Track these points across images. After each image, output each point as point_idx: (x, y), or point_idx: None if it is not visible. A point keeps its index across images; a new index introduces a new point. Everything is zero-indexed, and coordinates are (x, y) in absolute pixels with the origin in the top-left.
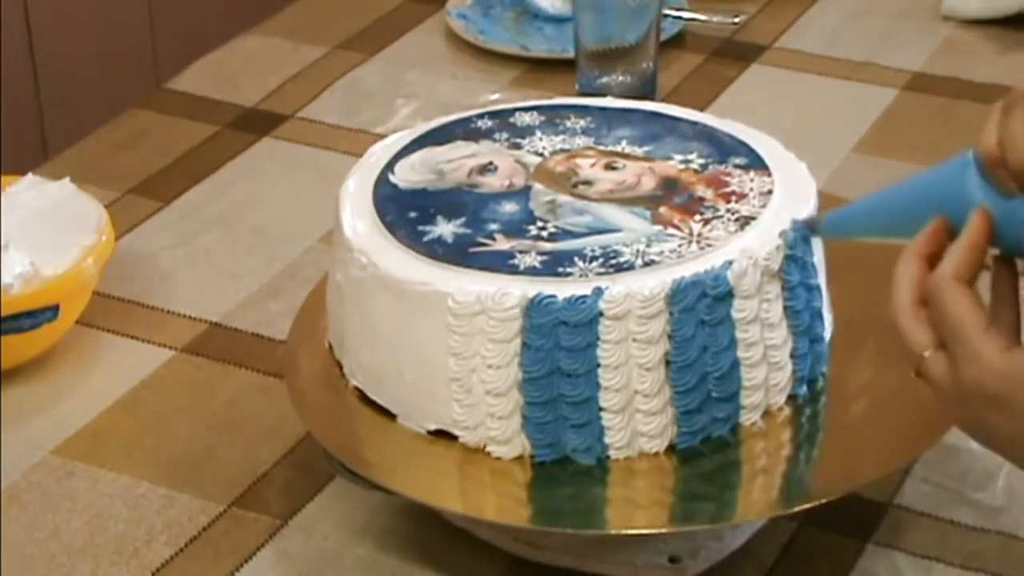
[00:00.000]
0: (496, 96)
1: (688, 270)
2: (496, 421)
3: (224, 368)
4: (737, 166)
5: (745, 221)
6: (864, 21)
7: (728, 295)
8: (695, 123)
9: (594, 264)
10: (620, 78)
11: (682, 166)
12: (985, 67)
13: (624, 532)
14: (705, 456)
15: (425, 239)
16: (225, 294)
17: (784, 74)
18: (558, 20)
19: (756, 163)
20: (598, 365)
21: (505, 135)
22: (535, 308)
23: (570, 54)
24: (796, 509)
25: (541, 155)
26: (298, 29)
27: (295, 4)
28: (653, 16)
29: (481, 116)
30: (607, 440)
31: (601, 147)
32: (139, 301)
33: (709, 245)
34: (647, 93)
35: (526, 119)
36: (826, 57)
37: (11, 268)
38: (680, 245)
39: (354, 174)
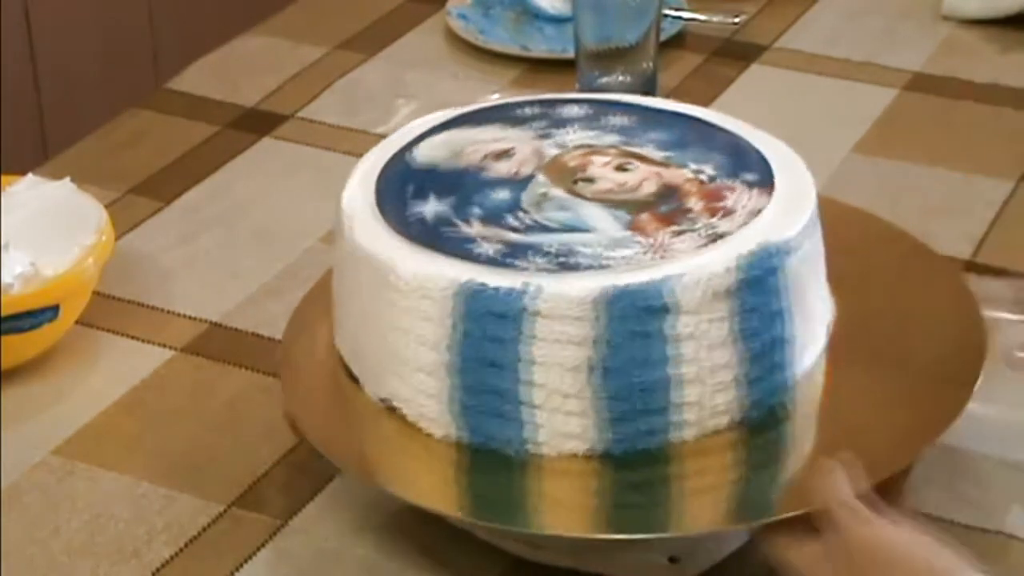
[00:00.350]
0: (496, 96)
1: (628, 279)
2: (427, 399)
3: (224, 368)
4: (745, 182)
5: (716, 237)
6: (864, 21)
7: (663, 309)
8: (731, 133)
9: (544, 260)
10: (620, 78)
11: (692, 175)
12: (985, 67)
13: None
14: (637, 467)
15: (407, 213)
16: (225, 294)
17: (784, 74)
18: (558, 20)
19: (765, 182)
20: (521, 360)
21: (542, 124)
22: (467, 295)
23: (570, 54)
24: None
25: (564, 147)
26: (298, 29)
27: (295, 4)
28: (653, 16)
29: (531, 103)
30: (526, 435)
31: (627, 147)
32: (139, 301)
33: (664, 257)
34: (647, 93)
35: (572, 111)
36: (826, 57)
37: (11, 268)
38: (638, 253)
39: (385, 143)
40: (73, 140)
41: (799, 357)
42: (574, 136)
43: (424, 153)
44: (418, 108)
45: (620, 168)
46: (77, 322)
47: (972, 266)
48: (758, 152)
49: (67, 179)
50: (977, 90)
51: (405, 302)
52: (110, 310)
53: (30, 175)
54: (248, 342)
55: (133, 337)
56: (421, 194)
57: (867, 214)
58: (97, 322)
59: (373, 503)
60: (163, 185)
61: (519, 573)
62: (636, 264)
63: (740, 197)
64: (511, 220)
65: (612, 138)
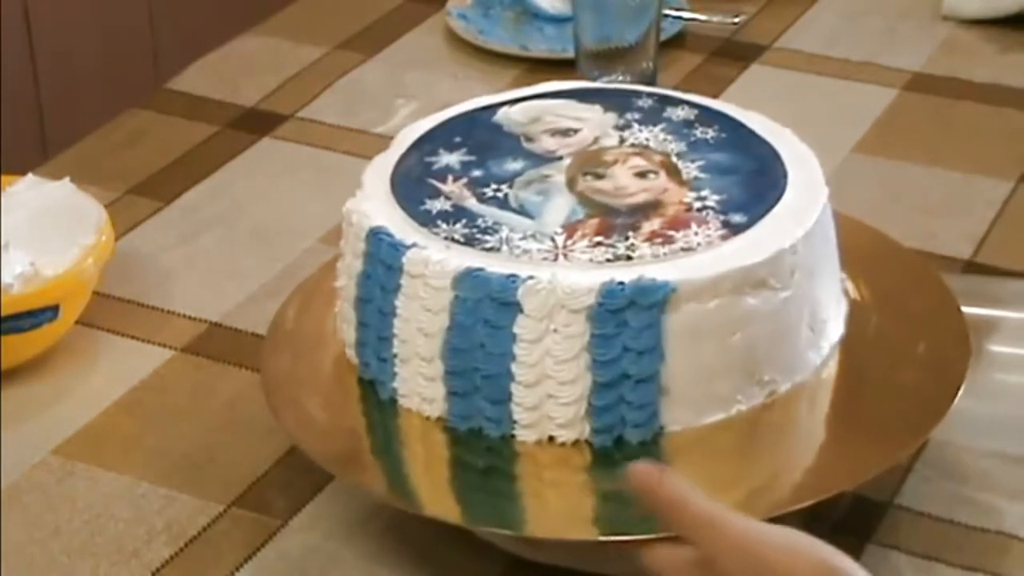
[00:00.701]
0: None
1: (493, 267)
2: (345, 323)
3: (224, 368)
4: (728, 224)
5: (619, 259)
6: (864, 21)
7: (511, 306)
8: (784, 175)
9: (463, 230)
10: (620, 78)
11: (690, 200)
12: (985, 67)
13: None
14: (478, 450)
15: (425, 159)
16: (225, 294)
17: (784, 74)
18: (558, 20)
19: (741, 229)
20: (394, 313)
21: (634, 116)
22: (374, 240)
23: (570, 54)
24: (800, 505)
25: (621, 141)
26: (298, 29)
27: (295, 4)
28: (653, 16)
29: (650, 95)
30: (394, 384)
31: (676, 159)
32: (139, 301)
33: (555, 260)
34: None
35: (676, 113)
36: (826, 57)
37: (11, 268)
38: (539, 250)
39: (496, 95)
40: (73, 140)
41: (681, 401)
42: (644, 135)
43: (511, 113)
44: (418, 108)
45: (640, 175)
46: (77, 322)
47: (972, 266)
48: (780, 196)
49: (67, 179)
50: (977, 90)
51: (345, 234)
52: (110, 310)
53: (30, 175)
54: (248, 342)
55: (133, 337)
56: (459, 145)
57: (864, 225)
58: (97, 322)
59: (372, 503)
60: (163, 185)
61: (519, 573)
62: (522, 259)
63: (698, 232)
64: (488, 189)
65: (676, 147)
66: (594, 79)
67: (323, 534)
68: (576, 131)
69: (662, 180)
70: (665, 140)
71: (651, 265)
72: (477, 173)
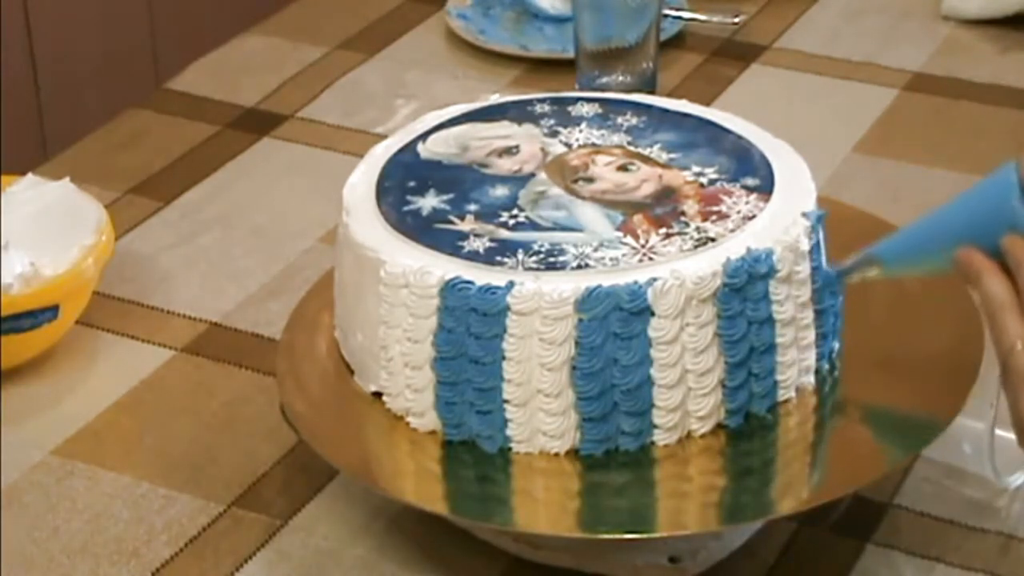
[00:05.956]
0: (496, 96)
1: (610, 280)
2: (412, 393)
3: (224, 368)
4: (745, 186)
5: (703, 242)
6: (864, 21)
7: (645, 311)
8: (738, 136)
9: (533, 259)
10: (620, 78)
11: (692, 178)
12: (985, 67)
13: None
14: (614, 468)
15: (404, 209)
16: (225, 294)
17: (784, 74)
18: (558, 20)
19: (765, 187)
20: (503, 357)
21: (551, 122)
22: (450, 291)
23: (570, 54)
24: (795, 511)
25: (569, 146)
26: (298, 29)
27: (295, 4)
28: (653, 16)
29: (542, 100)
30: (508, 432)
31: (633, 147)
32: (139, 301)
33: (650, 259)
34: (647, 93)
35: (582, 110)
36: (826, 57)
37: (11, 268)
38: (625, 255)
39: (393, 136)
40: (73, 140)
41: (791, 363)
42: (581, 135)
43: (431, 147)
44: (418, 108)
45: (622, 168)
46: (77, 322)
47: None
48: (763, 156)
49: (67, 179)
50: (977, 90)
51: (393, 296)
52: (110, 310)
53: (30, 175)
54: (248, 342)
55: (133, 337)
56: (421, 188)
57: (867, 214)
58: (97, 322)
59: (373, 503)
60: (163, 185)
61: (519, 573)
62: (625, 266)
63: (737, 202)
64: (505, 217)
65: (619, 138)
66: (594, 79)
67: (323, 534)
68: (517, 147)
69: (646, 167)
70: (603, 134)
71: (737, 238)
72: (475, 207)
